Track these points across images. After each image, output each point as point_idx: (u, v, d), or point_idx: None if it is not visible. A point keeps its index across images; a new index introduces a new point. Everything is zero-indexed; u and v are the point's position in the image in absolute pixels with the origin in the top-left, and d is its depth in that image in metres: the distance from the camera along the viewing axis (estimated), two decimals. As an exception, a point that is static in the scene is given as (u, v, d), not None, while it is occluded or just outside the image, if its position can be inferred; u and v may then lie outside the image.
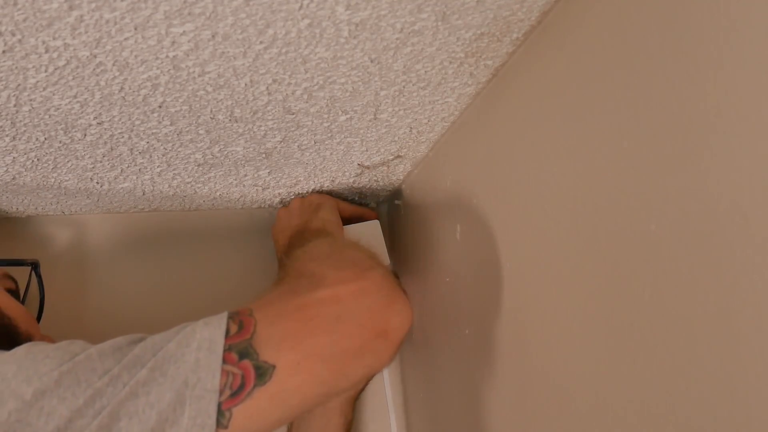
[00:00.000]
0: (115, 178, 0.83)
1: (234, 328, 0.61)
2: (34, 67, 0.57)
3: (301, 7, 0.52)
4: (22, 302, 0.80)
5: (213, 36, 0.55)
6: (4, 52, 0.54)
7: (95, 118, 0.67)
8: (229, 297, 0.99)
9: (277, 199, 0.98)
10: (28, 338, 0.71)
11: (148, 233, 0.98)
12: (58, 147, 0.73)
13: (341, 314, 0.66)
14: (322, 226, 0.86)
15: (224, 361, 0.58)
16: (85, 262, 0.96)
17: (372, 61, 0.62)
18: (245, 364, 0.59)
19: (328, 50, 0.59)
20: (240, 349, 0.60)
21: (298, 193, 0.95)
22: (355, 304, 0.68)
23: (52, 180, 0.82)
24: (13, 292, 0.78)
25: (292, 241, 0.86)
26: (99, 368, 0.56)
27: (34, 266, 0.84)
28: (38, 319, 0.82)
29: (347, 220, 0.95)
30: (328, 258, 0.74)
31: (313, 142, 0.79)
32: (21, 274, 0.83)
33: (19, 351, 0.56)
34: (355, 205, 0.98)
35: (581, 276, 0.56)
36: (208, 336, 0.59)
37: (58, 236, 0.96)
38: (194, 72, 0.60)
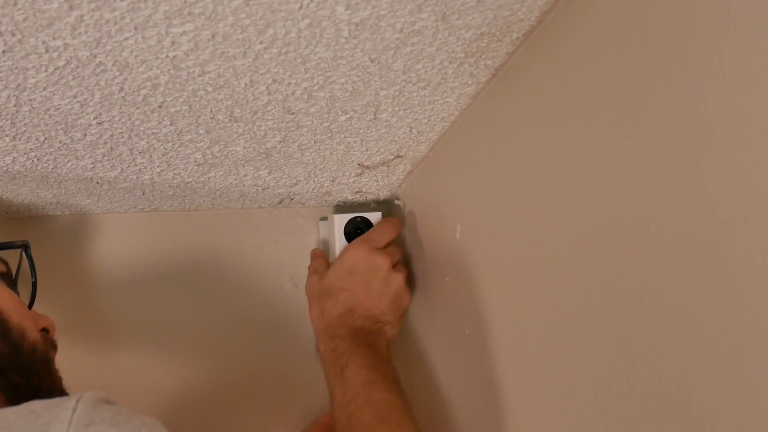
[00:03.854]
0: (115, 178, 0.83)
1: None
2: (34, 67, 0.57)
3: (301, 7, 0.52)
4: (14, 285, 0.78)
5: (213, 36, 0.55)
6: (4, 52, 0.54)
7: (95, 118, 0.67)
8: (229, 297, 0.99)
9: (277, 200, 0.98)
10: (20, 333, 0.68)
11: (148, 233, 0.98)
12: (58, 147, 0.72)
13: None
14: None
15: None
16: (85, 262, 0.96)
17: (372, 61, 0.62)
18: None
19: (328, 50, 0.59)
20: None
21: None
22: None
23: (52, 180, 0.82)
24: (5, 276, 0.77)
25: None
26: None
27: (25, 248, 0.82)
28: (31, 303, 0.80)
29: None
30: None
31: (313, 142, 0.79)
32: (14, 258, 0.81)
33: (145, 430, 0.55)
34: None
35: (581, 276, 0.56)
36: None
37: (58, 236, 0.96)
38: (194, 72, 0.60)
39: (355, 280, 0.87)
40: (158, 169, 0.82)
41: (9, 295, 0.71)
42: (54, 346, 0.74)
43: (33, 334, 0.70)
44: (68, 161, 0.77)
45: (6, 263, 0.78)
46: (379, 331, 0.86)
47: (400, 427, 0.72)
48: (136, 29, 0.53)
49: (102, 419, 0.54)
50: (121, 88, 0.62)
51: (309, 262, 0.95)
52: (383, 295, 0.87)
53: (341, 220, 0.94)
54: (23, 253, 0.81)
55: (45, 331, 0.73)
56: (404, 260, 0.94)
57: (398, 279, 0.88)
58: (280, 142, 0.77)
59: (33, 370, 0.68)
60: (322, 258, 0.94)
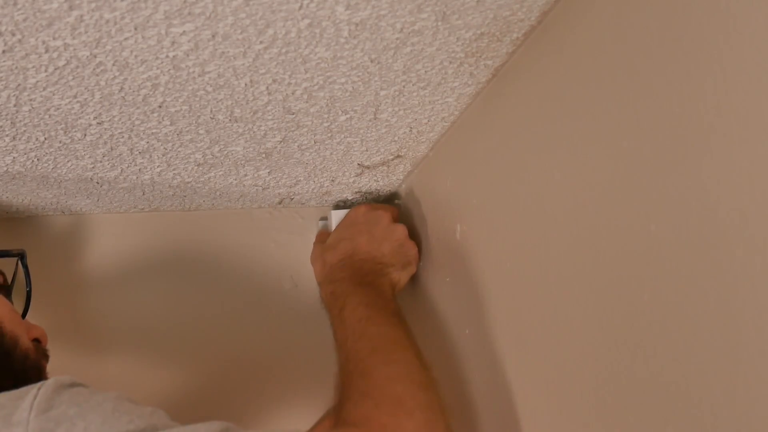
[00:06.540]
0: (115, 178, 0.83)
1: None
2: (34, 67, 0.57)
3: (301, 7, 0.52)
4: (9, 293, 0.78)
5: (213, 36, 0.55)
6: (4, 52, 0.54)
7: (95, 118, 0.67)
8: (229, 297, 0.99)
9: (277, 200, 0.98)
10: (12, 340, 0.68)
11: (148, 233, 0.98)
12: (58, 147, 0.73)
13: None
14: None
15: None
16: (85, 262, 0.96)
17: (372, 61, 0.62)
18: None
19: (328, 50, 0.59)
20: None
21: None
22: None
23: (52, 180, 0.82)
24: (0, 284, 0.77)
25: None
26: None
27: (21, 257, 0.82)
28: (25, 311, 0.80)
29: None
30: None
31: (313, 142, 0.79)
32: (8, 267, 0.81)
33: (107, 404, 0.56)
34: None
35: (581, 276, 0.56)
36: None
37: (58, 237, 0.96)
38: (194, 72, 0.60)
39: (356, 229, 0.88)
40: (158, 169, 0.82)
41: (3, 303, 0.72)
42: (46, 356, 0.74)
43: (25, 342, 0.70)
44: (68, 161, 0.77)
45: (2, 272, 0.78)
46: (381, 271, 0.85)
47: (394, 354, 0.72)
48: (136, 29, 0.53)
49: (61, 402, 0.55)
50: (121, 88, 0.62)
51: (309, 262, 0.95)
52: (384, 241, 0.87)
53: (338, 215, 0.94)
54: (19, 262, 0.82)
55: (37, 341, 0.73)
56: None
57: (401, 229, 0.88)
58: (280, 142, 0.77)
59: (24, 377, 0.67)
60: (324, 234, 0.95)
